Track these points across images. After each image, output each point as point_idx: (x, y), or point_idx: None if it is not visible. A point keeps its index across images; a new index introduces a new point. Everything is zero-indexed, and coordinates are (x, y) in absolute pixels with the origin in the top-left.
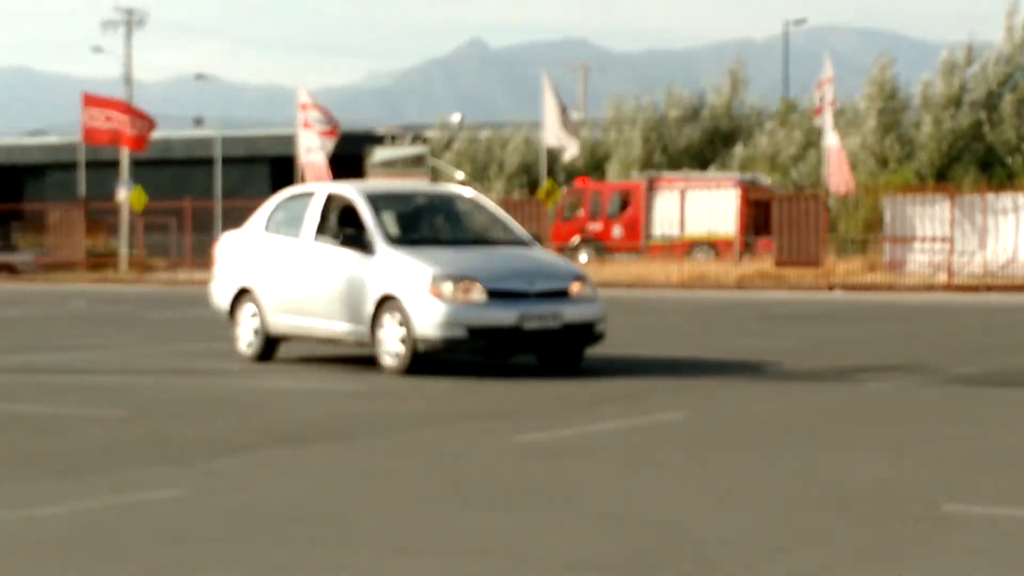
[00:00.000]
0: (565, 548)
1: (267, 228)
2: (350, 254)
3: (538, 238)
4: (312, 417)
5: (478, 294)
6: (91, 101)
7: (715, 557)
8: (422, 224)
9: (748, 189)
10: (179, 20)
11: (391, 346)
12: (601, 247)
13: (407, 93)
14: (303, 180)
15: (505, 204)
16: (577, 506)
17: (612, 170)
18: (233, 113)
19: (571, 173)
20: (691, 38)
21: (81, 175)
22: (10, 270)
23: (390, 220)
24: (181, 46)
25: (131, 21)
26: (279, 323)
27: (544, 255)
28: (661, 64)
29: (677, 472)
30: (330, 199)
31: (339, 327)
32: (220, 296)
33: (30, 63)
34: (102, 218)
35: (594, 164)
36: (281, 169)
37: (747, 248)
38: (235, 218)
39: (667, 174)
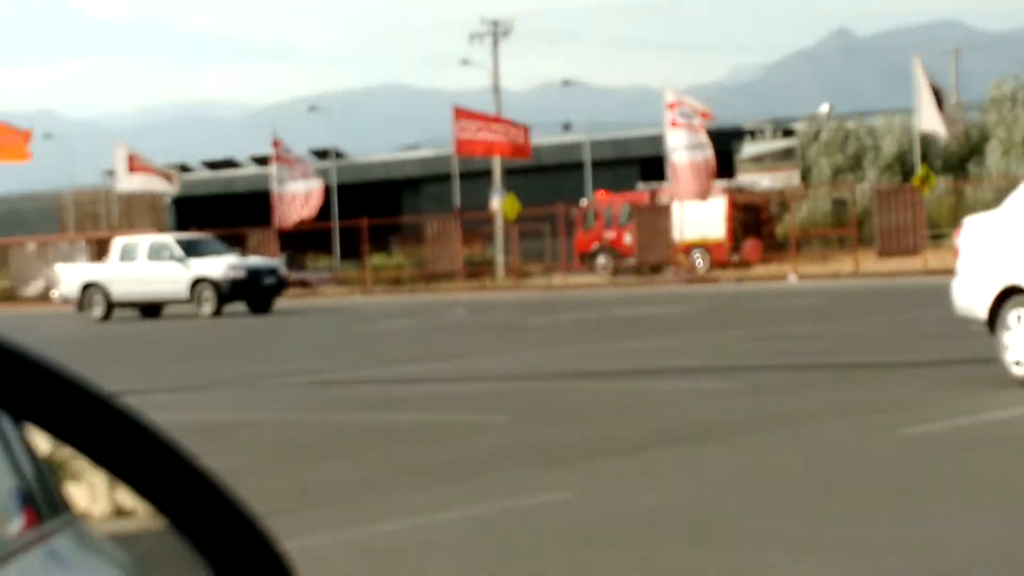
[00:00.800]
0: (967, 541)
1: None
2: None
3: None
4: (695, 417)
5: None
6: (461, 114)
7: None
8: None
9: (735, 195)
10: (543, 28)
11: None
12: (616, 253)
13: (773, 87)
14: (673, 180)
15: (878, 193)
16: (974, 498)
17: (992, 152)
18: (600, 117)
19: (947, 159)
20: None
21: (455, 186)
22: (304, 285)
23: None
24: (546, 53)
25: (497, 32)
26: None
27: None
28: None
29: None
30: None
31: None
32: (972, 298)
33: (401, 79)
34: (477, 227)
35: (970, 149)
36: (651, 170)
37: (735, 249)
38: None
39: (666, 185)
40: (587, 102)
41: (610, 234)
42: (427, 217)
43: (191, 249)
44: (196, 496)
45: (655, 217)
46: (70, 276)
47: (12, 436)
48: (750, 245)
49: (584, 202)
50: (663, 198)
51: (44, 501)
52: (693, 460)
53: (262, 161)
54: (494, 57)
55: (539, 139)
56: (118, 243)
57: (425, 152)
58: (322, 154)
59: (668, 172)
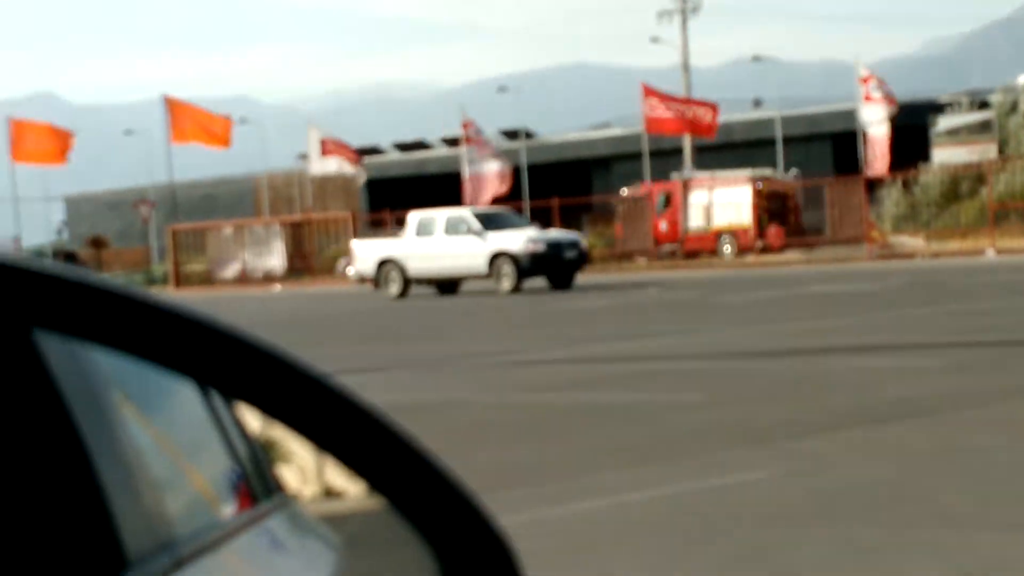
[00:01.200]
0: None
1: None
2: None
3: None
4: (894, 395)
5: None
6: (651, 92)
7: None
8: None
9: (762, 184)
10: (732, 3)
11: None
12: (652, 239)
13: (969, 58)
14: (867, 155)
15: None
16: None
17: None
18: (791, 92)
19: None
20: None
21: (645, 164)
22: None
23: None
24: (736, 29)
25: (686, 9)
26: None
27: None
28: None
29: None
30: None
31: None
32: None
33: (590, 58)
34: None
35: None
36: (843, 145)
37: (760, 235)
38: (805, 197)
39: (698, 174)
40: (778, 77)
41: None
42: (618, 196)
43: (489, 222)
44: (413, 474)
45: (848, 194)
46: (366, 252)
47: (225, 417)
48: (773, 232)
49: (624, 191)
50: (787, 179)
51: (258, 482)
52: (893, 439)
53: (452, 142)
54: (683, 34)
55: (730, 116)
56: (413, 217)
57: (615, 131)
58: (512, 134)
59: (863, 146)
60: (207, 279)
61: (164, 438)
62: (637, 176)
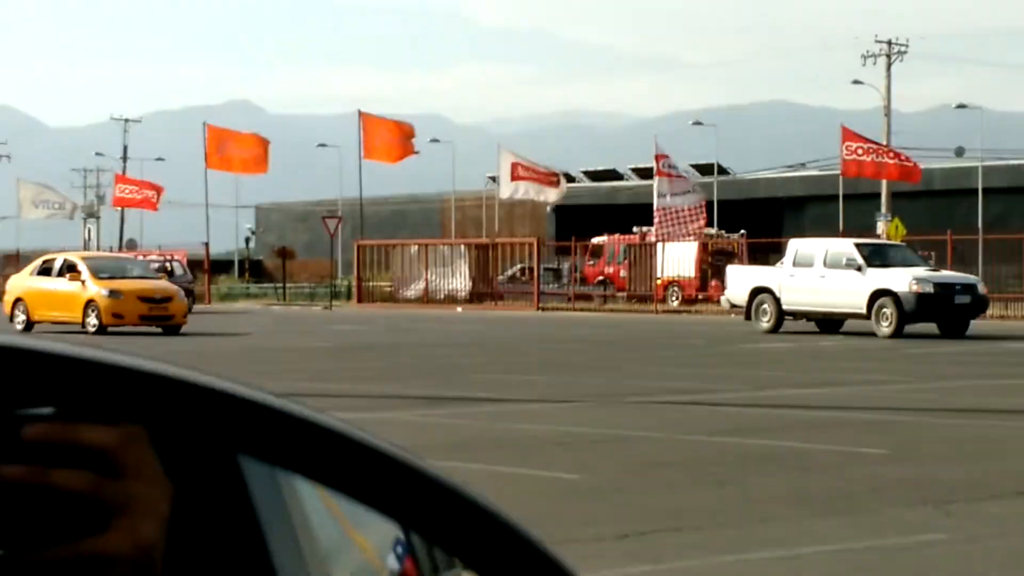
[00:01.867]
0: None
1: None
2: None
3: None
4: None
5: None
6: (850, 135)
7: None
8: None
9: (709, 241)
10: (939, 49)
11: None
12: (612, 284)
13: None
14: None
15: None
16: None
17: None
18: (994, 142)
19: None
20: None
21: (840, 208)
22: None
23: None
24: (942, 75)
25: (891, 53)
26: None
27: None
28: None
29: None
30: None
31: None
32: None
33: (790, 97)
34: None
35: None
36: None
37: (702, 287)
38: (999, 251)
39: (649, 229)
40: (984, 126)
41: (609, 269)
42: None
43: (875, 257)
44: (519, 559)
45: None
46: (739, 279)
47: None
48: (714, 284)
49: (595, 240)
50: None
51: (424, 556)
52: None
53: (644, 173)
54: (887, 78)
55: (929, 163)
56: (793, 245)
57: (810, 171)
58: (705, 169)
59: None
60: (390, 296)
61: (333, 503)
62: (831, 219)
